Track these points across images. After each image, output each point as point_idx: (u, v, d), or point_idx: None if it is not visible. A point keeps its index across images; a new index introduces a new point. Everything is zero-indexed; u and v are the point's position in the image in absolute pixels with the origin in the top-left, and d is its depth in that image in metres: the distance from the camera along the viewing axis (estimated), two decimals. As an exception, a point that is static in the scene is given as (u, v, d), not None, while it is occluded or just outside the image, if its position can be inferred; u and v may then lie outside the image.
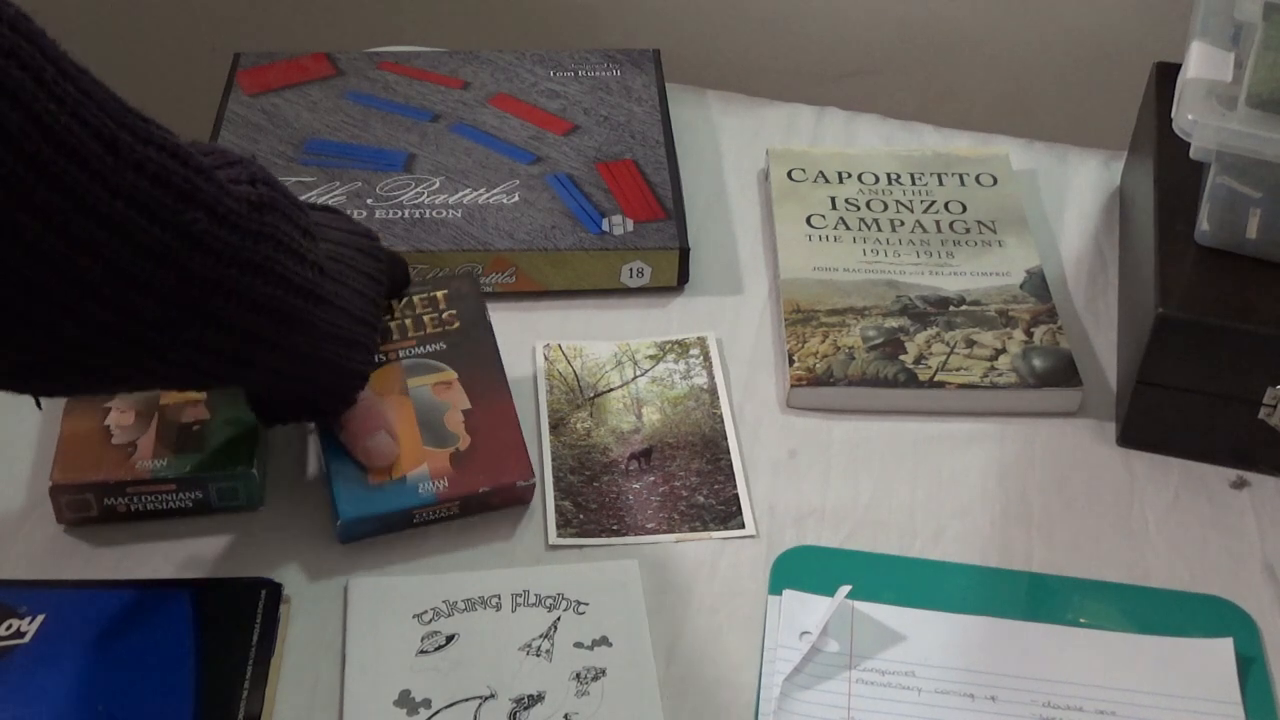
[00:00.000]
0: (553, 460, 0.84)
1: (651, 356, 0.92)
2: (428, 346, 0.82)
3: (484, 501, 0.78)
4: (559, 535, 0.80)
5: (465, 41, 1.18)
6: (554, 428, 0.86)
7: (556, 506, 0.81)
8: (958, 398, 0.89)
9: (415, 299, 0.84)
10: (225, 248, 0.61)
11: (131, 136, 0.56)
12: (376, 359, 0.79)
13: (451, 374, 0.81)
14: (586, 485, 0.83)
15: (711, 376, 0.91)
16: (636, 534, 0.80)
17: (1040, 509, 0.83)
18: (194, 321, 0.61)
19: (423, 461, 0.78)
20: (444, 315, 0.83)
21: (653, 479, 0.84)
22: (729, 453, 0.86)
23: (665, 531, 0.81)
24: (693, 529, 0.81)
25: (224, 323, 0.63)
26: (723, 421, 0.88)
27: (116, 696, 0.68)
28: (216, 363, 0.65)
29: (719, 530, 0.81)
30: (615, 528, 0.81)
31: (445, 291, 0.85)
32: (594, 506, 0.82)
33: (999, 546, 0.81)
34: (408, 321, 0.83)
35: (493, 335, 0.83)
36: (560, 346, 0.92)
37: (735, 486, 0.83)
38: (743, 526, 0.81)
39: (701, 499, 0.83)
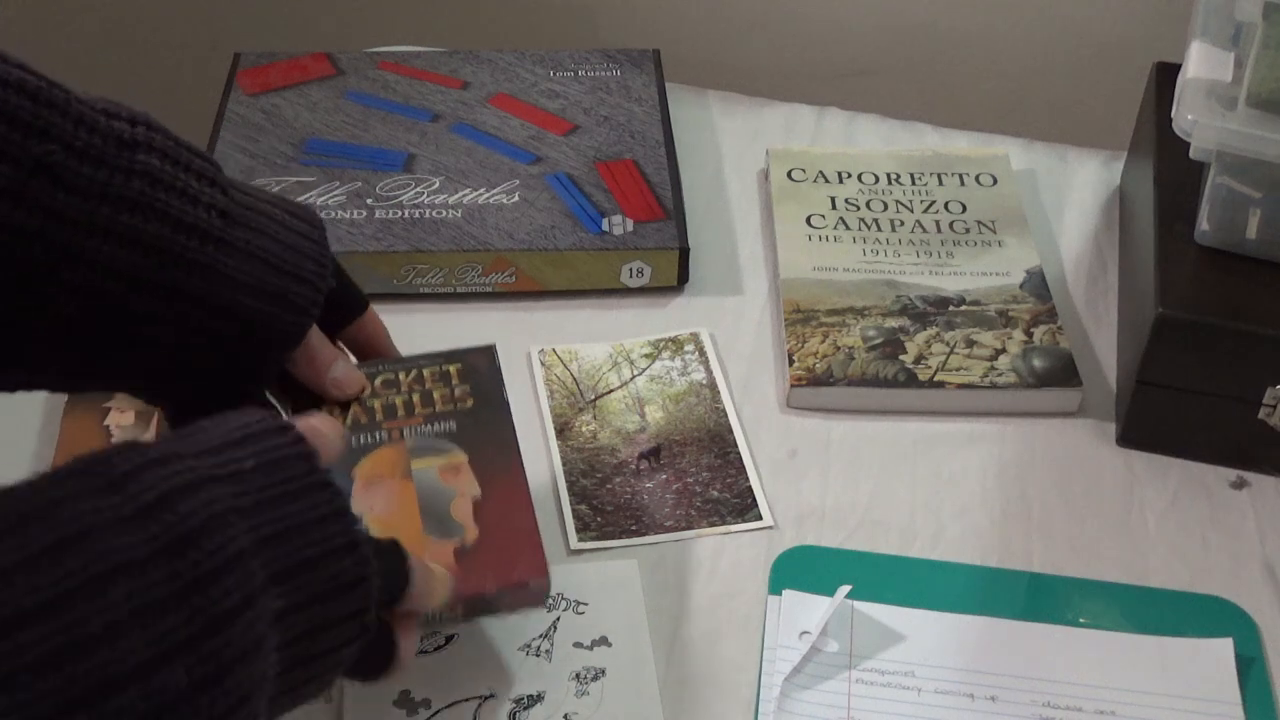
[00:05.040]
0: (563, 465, 0.84)
1: (647, 355, 0.92)
2: (436, 425, 0.72)
3: (492, 604, 0.69)
4: (580, 539, 0.80)
5: (465, 41, 1.18)
6: (559, 432, 0.86)
7: (573, 511, 0.81)
8: (958, 398, 0.89)
9: (425, 372, 0.74)
10: (89, 183, 0.59)
11: None
12: (311, 320, 0.70)
13: (461, 456, 0.71)
14: (599, 488, 0.83)
15: (710, 372, 0.91)
16: (655, 533, 0.80)
17: (1040, 509, 0.83)
18: (71, 264, 0.59)
19: (422, 555, 0.65)
20: (457, 391, 0.74)
21: (664, 477, 0.84)
22: (736, 446, 0.86)
23: (684, 529, 0.81)
24: (710, 524, 0.81)
25: (101, 267, 0.60)
26: (726, 415, 0.88)
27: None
28: (106, 321, 0.61)
29: (737, 523, 0.81)
30: (634, 528, 0.81)
31: (459, 366, 0.75)
32: (610, 509, 0.82)
33: (999, 546, 0.81)
34: (415, 397, 0.73)
35: (510, 415, 0.74)
36: (556, 350, 0.92)
37: (748, 479, 0.84)
38: (760, 518, 0.81)
39: (715, 493, 0.83)
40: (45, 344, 0.61)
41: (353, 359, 0.75)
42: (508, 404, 0.74)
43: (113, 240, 0.60)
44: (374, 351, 0.75)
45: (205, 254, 0.63)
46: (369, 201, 0.98)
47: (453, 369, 0.75)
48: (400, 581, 0.61)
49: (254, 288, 0.65)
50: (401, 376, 0.74)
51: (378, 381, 0.73)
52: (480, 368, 0.75)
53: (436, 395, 0.73)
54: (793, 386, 0.89)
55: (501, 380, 0.75)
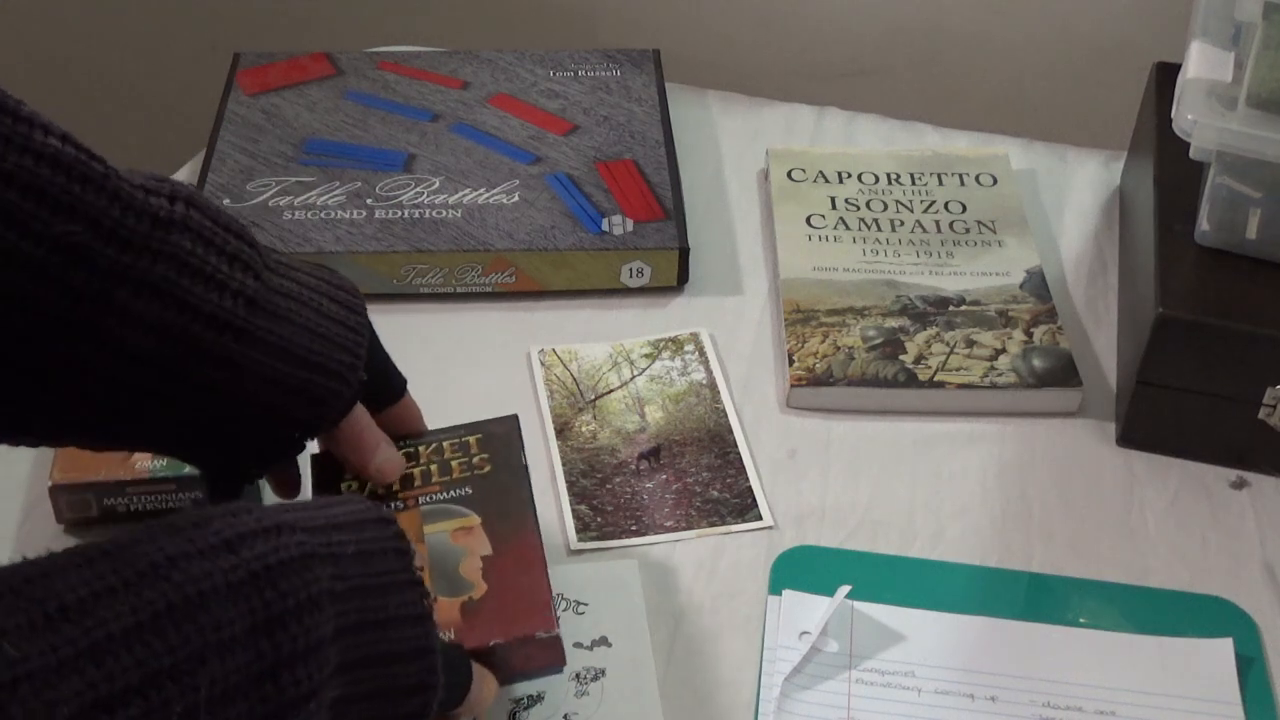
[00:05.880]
0: (563, 465, 0.84)
1: (647, 355, 0.92)
2: (451, 492, 0.72)
3: (504, 660, 0.66)
4: (580, 539, 0.80)
5: (465, 41, 1.18)
6: (559, 432, 0.86)
7: (573, 511, 0.81)
8: (958, 398, 0.89)
9: (445, 444, 0.74)
10: (110, 264, 0.56)
11: (2, 144, 0.54)
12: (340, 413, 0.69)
13: (474, 519, 0.71)
14: (599, 488, 0.83)
15: (710, 372, 0.91)
16: (655, 533, 0.80)
17: (1040, 509, 0.83)
18: (82, 343, 0.57)
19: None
20: (474, 460, 0.73)
21: (664, 477, 0.84)
22: (736, 446, 0.86)
23: (684, 529, 0.81)
24: (710, 524, 0.81)
25: (118, 348, 0.58)
26: (726, 416, 0.88)
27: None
28: (122, 396, 0.60)
29: (737, 524, 0.81)
30: (634, 528, 0.81)
31: (479, 436, 0.75)
32: (610, 509, 0.82)
33: (999, 546, 0.81)
34: (433, 467, 0.73)
35: (527, 479, 0.73)
36: (555, 351, 0.92)
37: (748, 479, 0.84)
38: (760, 518, 0.81)
39: (715, 493, 0.83)
40: (62, 410, 0.61)
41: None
42: (525, 468, 0.73)
43: (128, 323, 0.58)
44: (405, 435, 0.75)
45: (222, 345, 0.61)
46: (369, 201, 0.98)
47: (472, 439, 0.74)
48: (460, 692, 0.62)
49: (274, 381, 0.63)
50: (421, 450, 0.74)
51: None
52: (500, 435, 0.75)
53: (454, 464, 0.73)
54: (793, 386, 0.89)
55: (521, 446, 0.74)
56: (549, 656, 0.67)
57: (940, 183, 1.05)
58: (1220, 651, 0.74)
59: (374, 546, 0.57)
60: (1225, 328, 0.82)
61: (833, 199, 1.03)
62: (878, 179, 1.05)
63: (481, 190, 1.00)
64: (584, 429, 0.87)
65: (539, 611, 0.66)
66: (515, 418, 0.76)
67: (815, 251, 0.99)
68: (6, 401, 0.60)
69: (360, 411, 0.70)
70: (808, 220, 1.01)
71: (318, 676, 0.51)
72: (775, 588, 0.77)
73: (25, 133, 0.55)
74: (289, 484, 0.73)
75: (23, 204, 0.54)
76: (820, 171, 1.06)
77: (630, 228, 0.97)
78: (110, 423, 0.62)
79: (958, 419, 0.89)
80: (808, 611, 0.75)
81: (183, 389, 0.61)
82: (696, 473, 0.84)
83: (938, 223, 1.01)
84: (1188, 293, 0.84)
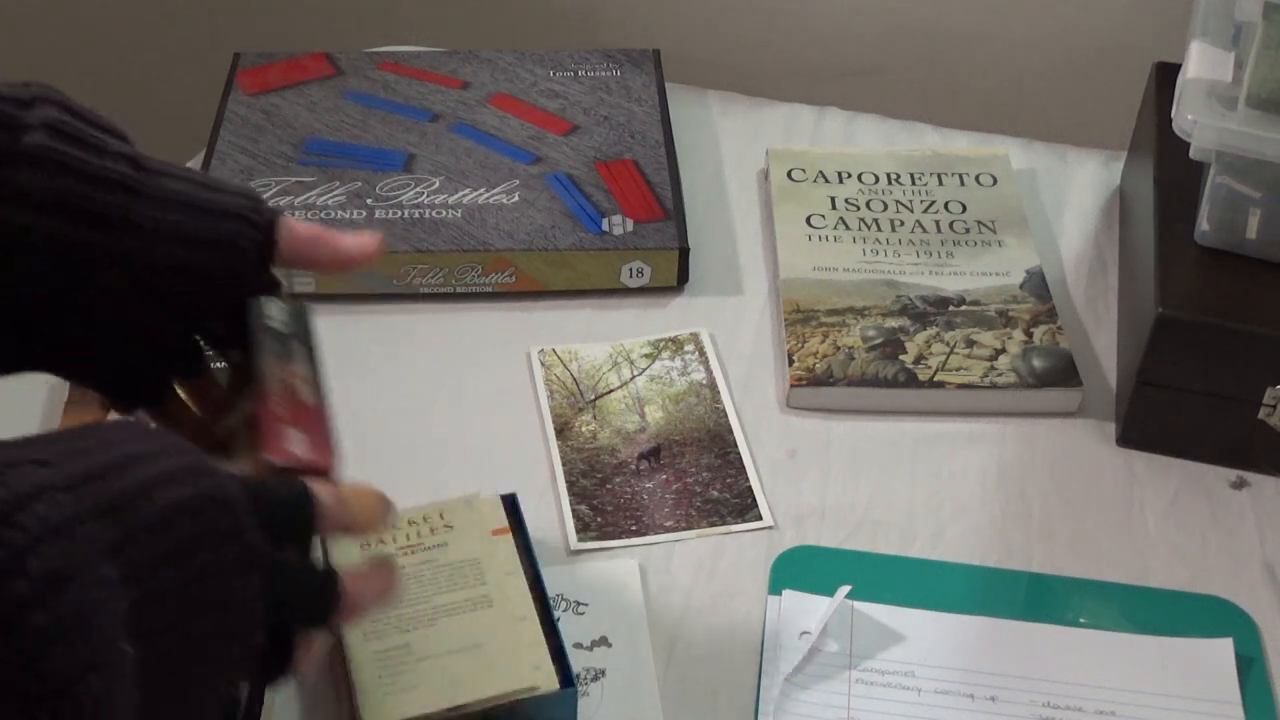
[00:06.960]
0: (563, 465, 0.84)
1: (647, 355, 0.92)
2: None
3: None
4: (580, 539, 0.80)
5: (465, 41, 1.18)
6: (559, 432, 0.86)
7: (574, 511, 0.81)
8: (958, 398, 0.89)
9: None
10: None
11: None
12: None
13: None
14: (599, 488, 0.83)
15: (710, 372, 0.91)
16: (655, 533, 0.80)
17: (1040, 509, 0.83)
18: None
19: None
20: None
21: (664, 477, 0.84)
22: (736, 446, 0.86)
23: (684, 529, 0.81)
24: (710, 524, 0.81)
25: (13, 230, 0.56)
26: (726, 415, 0.88)
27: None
28: (32, 294, 0.58)
29: (737, 524, 0.81)
30: (634, 528, 0.81)
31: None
32: (610, 509, 0.82)
33: (999, 546, 0.81)
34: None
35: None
36: (555, 351, 0.92)
37: (748, 479, 0.84)
38: (760, 518, 0.81)
39: (715, 493, 0.83)
40: None
41: None
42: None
43: (19, 206, 0.57)
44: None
45: (116, 205, 0.58)
46: (369, 201, 0.98)
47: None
48: (323, 596, 0.55)
49: (181, 236, 0.60)
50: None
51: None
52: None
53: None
54: (793, 386, 0.89)
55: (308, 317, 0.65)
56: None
57: (940, 183, 1.05)
58: (1220, 651, 0.74)
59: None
60: (1225, 328, 0.82)
61: (833, 199, 1.03)
62: (878, 179, 1.05)
63: (481, 190, 1.00)
64: (584, 429, 0.87)
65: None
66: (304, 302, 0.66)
67: (815, 251, 0.99)
68: None
69: (291, 220, 0.64)
70: (808, 220, 1.01)
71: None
72: (775, 588, 0.77)
73: None
74: (211, 397, 0.67)
75: None
76: (820, 171, 1.06)
77: (630, 228, 0.97)
78: (22, 334, 0.59)
79: (958, 419, 0.89)
80: (808, 611, 0.75)
81: (88, 269, 0.58)
82: (696, 473, 0.84)
83: (938, 223, 1.01)
84: (1188, 293, 0.84)
